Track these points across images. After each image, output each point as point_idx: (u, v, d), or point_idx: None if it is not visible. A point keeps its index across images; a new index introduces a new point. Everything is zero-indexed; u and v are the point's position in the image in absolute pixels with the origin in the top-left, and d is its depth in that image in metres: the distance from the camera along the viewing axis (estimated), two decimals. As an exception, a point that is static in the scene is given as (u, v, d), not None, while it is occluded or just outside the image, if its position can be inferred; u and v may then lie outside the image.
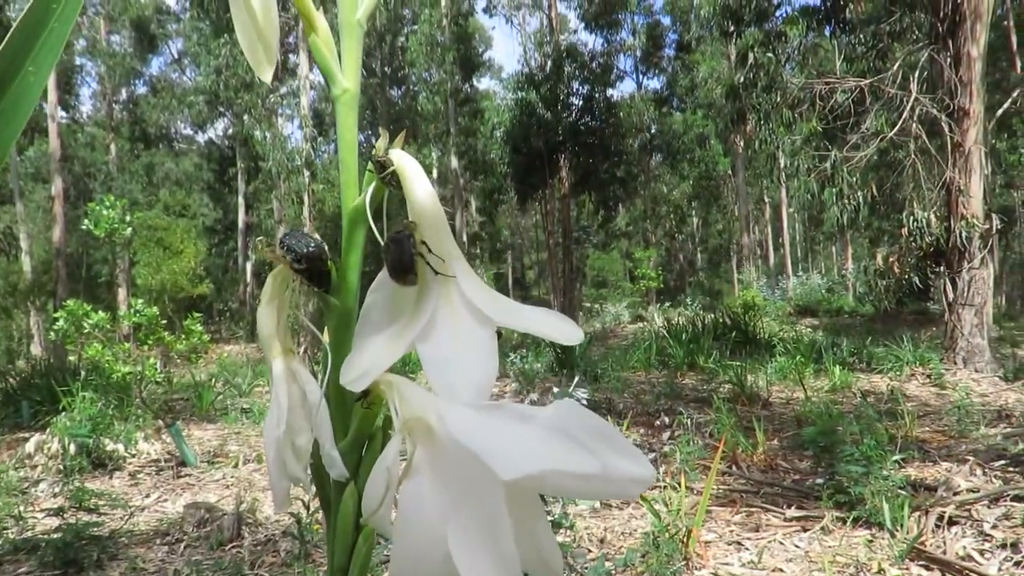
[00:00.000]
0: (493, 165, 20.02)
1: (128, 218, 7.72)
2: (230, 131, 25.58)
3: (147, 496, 4.15)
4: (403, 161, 0.42)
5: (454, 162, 21.91)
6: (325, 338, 0.46)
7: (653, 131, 23.73)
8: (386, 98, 26.63)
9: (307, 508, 2.90)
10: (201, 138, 31.37)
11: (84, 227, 7.54)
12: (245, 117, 18.09)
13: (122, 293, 21.05)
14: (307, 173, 15.33)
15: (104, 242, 8.42)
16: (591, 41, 20.58)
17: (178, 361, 8.67)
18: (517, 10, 24.04)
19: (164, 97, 27.49)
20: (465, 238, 22.54)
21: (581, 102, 17.35)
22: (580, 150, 16.92)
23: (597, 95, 17.68)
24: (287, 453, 0.47)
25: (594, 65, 18.30)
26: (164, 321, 7.05)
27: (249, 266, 24.95)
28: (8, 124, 0.41)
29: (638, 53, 26.00)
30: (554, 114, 16.58)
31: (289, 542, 3.14)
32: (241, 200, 24.82)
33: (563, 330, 0.39)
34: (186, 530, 3.29)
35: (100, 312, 6.05)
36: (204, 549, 3.12)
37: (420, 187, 0.41)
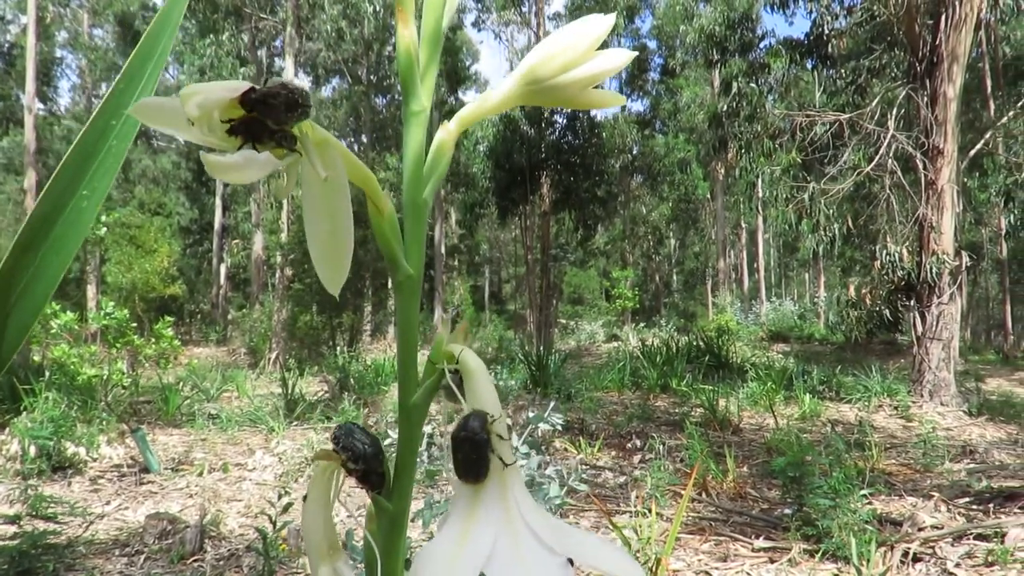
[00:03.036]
0: (475, 179, 20.03)
1: (104, 218, 7.59)
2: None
3: (107, 503, 4.05)
4: (470, 360, 0.41)
5: (436, 173, 21.90)
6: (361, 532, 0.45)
7: (635, 152, 23.97)
8: (371, 106, 26.58)
9: (272, 523, 2.85)
10: (180, 136, 31.01)
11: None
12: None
13: (91, 290, 20.67)
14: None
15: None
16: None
17: (146, 364, 8.51)
18: (505, 26, 24.21)
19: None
20: (444, 250, 22.50)
21: (565, 121, 17.45)
22: (562, 168, 17.02)
23: (581, 115, 17.80)
24: None
25: (579, 84, 18.46)
26: (134, 324, 6.91)
27: (223, 268, 24.66)
28: (61, 251, 0.40)
29: (623, 75, 26.28)
30: (538, 131, 16.67)
31: (253, 558, 3.08)
32: (218, 201, 24.56)
33: (624, 567, 0.37)
34: (147, 541, 3.21)
35: (69, 312, 5.92)
36: (164, 562, 3.05)
37: (487, 387, 0.40)
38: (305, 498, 0.47)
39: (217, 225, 24.82)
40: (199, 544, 3.17)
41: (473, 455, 0.37)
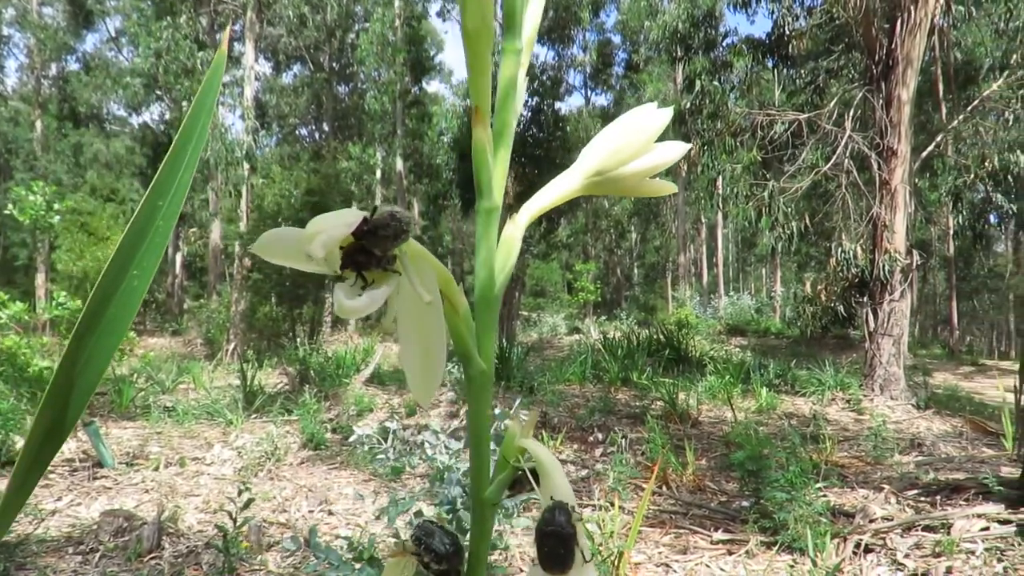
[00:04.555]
0: (439, 170, 19.90)
1: (56, 205, 7.34)
2: (167, 116, 24.64)
3: (59, 499, 3.94)
4: (541, 454, 0.43)
5: (399, 164, 21.71)
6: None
7: (598, 146, 24.06)
8: (333, 94, 26.19)
9: (233, 520, 2.81)
10: (135, 121, 30.10)
11: (7, 212, 7.13)
12: (184, 104, 17.47)
13: (40, 278, 20.03)
14: (247, 166, 14.89)
15: (26, 227, 7.98)
16: (543, 53, 20.66)
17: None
18: (471, 16, 24.01)
19: (97, 76, 26.24)
20: (406, 241, 22.31)
21: (530, 114, 17.45)
22: (526, 161, 17.01)
23: (546, 107, 17.83)
24: None
25: (544, 78, 18.43)
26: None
27: (179, 257, 24.10)
28: (114, 332, 0.41)
29: (588, 69, 26.38)
30: (502, 123, 16.64)
31: (212, 555, 3.03)
32: (174, 188, 23.91)
33: None
34: (102, 539, 3.14)
35: (18, 303, 5.71)
36: (121, 560, 2.98)
37: (563, 480, 0.42)
38: None
39: (173, 212, 24.20)
40: (157, 541, 3.11)
41: (560, 548, 0.39)
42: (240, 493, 2.92)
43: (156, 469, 4.64)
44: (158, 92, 21.25)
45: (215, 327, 14.26)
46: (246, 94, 15.84)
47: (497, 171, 0.47)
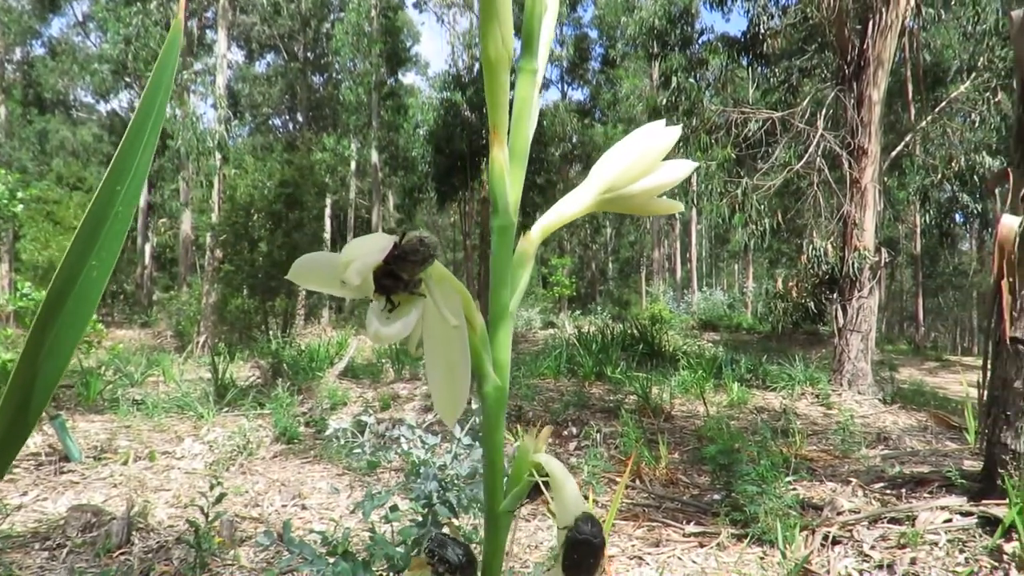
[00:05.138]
0: (414, 162, 19.80)
1: (20, 194, 7.16)
2: (136, 104, 24.12)
3: (24, 494, 3.86)
4: (557, 469, 0.45)
5: (374, 156, 21.56)
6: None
7: (574, 141, 24.14)
8: (307, 84, 25.89)
9: (205, 514, 2.78)
10: (103, 108, 29.46)
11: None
12: (154, 91, 17.04)
13: (3, 268, 19.57)
14: (219, 156, 14.68)
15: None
16: (518, 47, 20.59)
17: (65, 346, 8.10)
18: (448, 8, 23.92)
19: (64, 61, 25.65)
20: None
21: (506, 107, 17.47)
22: (502, 154, 17.01)
23: (522, 101, 17.84)
24: None
25: (521, 71, 18.42)
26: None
27: (148, 248, 23.70)
28: (75, 324, 0.41)
29: (565, 64, 26.40)
30: (479, 117, 16.59)
31: (183, 550, 3.00)
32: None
33: None
34: (69, 534, 3.08)
35: (-19, 293, 5.58)
36: (89, 556, 2.93)
37: (576, 493, 0.44)
38: None
39: (142, 202, 23.77)
40: (126, 536, 3.06)
41: (591, 558, 0.40)
42: (212, 488, 2.89)
43: (125, 463, 4.56)
44: (127, 79, 20.80)
45: (185, 319, 14.06)
46: (218, 82, 15.59)
47: (513, 190, 0.47)
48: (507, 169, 0.47)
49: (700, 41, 12.66)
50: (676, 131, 0.51)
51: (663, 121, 0.52)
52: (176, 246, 22.02)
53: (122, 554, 2.97)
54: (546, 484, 0.44)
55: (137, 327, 17.54)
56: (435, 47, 76.16)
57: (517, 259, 0.48)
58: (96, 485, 4.11)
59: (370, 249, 0.39)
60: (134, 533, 3.15)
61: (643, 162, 0.50)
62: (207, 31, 20.93)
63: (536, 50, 0.49)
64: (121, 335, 14.79)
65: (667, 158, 0.52)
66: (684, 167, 0.52)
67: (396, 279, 0.41)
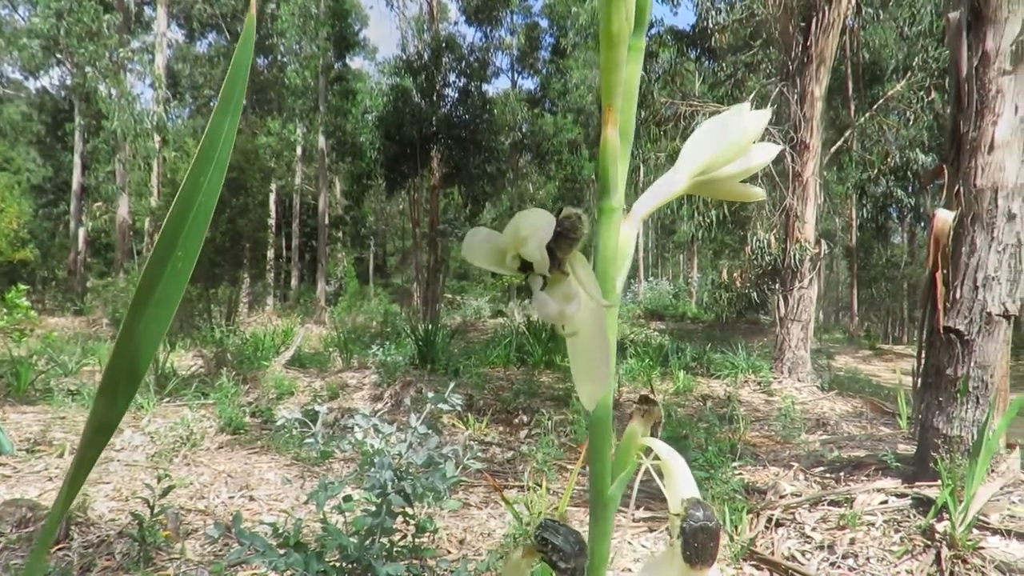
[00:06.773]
0: (363, 149, 19.49)
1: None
2: (68, 82, 23.05)
3: (-48, 490, 3.68)
4: (665, 452, 0.46)
5: (321, 141, 21.14)
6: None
7: (524, 130, 24.16)
8: (252, 66, 25.15)
9: (150, 507, 2.70)
10: (33, 85, 28.07)
11: None
12: (88, 69, 16.36)
13: (-77, 252, 18.50)
14: (158, 138, 14.17)
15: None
16: (470, 34, 20.49)
17: (-6, 335, 7.74)
18: (397, -8, 23.54)
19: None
20: (328, 221, 21.84)
21: (457, 95, 17.31)
22: (452, 143, 16.88)
23: (473, 89, 17.71)
24: None
25: (472, 59, 18.29)
26: (-21, 291, 6.25)
27: (82, 232, 22.73)
28: (163, 309, 0.42)
29: (515, 52, 26.33)
30: (429, 104, 16.43)
31: (126, 544, 2.91)
32: (77, 159, 22.48)
33: None
34: (3, 530, 2.95)
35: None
36: (25, 552, 2.82)
37: (689, 476, 0.44)
38: None
39: (76, 185, 22.74)
40: (65, 531, 2.95)
41: (711, 542, 0.39)
42: (160, 480, 2.81)
43: (60, 456, 4.39)
44: (59, 55, 19.85)
45: (122, 307, 13.58)
46: (157, 62, 15.04)
47: (622, 171, 0.46)
48: (619, 151, 0.46)
49: (650, 34, 12.81)
50: (766, 114, 0.51)
51: (748, 103, 0.52)
52: (112, 231, 21.19)
53: (60, 549, 2.86)
54: (657, 471, 0.44)
55: (71, 315, 16.84)
56: (383, 31, 75.03)
57: (622, 242, 0.48)
58: (30, 479, 3.95)
59: (542, 224, 0.38)
60: (73, 528, 3.04)
61: (738, 145, 0.49)
62: (145, 8, 20.13)
63: (645, 27, 0.48)
64: (54, 323, 14.18)
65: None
66: (771, 150, 0.51)
67: (552, 257, 0.40)
